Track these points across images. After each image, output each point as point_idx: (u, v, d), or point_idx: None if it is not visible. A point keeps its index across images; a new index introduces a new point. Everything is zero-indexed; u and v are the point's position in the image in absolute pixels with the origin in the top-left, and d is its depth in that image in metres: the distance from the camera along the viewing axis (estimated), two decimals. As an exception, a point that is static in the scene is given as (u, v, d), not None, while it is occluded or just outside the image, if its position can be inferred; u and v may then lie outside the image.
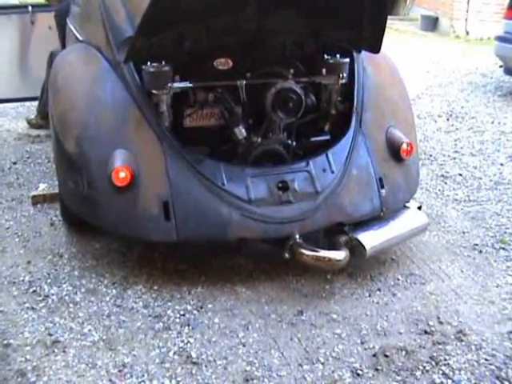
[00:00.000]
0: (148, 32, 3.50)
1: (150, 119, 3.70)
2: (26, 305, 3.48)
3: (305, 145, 4.09)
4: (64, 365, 3.00)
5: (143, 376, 2.93)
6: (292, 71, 3.99)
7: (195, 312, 3.44)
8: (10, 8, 6.51)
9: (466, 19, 14.43)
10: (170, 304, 3.50)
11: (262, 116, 3.93)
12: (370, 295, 3.63)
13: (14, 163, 5.64)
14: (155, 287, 3.65)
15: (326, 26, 3.87)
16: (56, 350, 3.11)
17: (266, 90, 3.85)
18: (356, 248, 3.62)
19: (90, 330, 3.27)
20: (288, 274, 3.78)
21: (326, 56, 4.03)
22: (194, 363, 3.03)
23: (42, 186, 5.02)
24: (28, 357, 3.05)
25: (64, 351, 3.10)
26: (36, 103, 6.53)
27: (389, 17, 3.88)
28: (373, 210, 3.80)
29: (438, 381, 2.94)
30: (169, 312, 3.43)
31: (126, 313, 3.42)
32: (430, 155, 6.05)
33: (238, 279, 3.73)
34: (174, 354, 3.10)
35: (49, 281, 3.72)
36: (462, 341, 3.23)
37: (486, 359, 3.09)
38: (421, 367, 3.02)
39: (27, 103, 7.19)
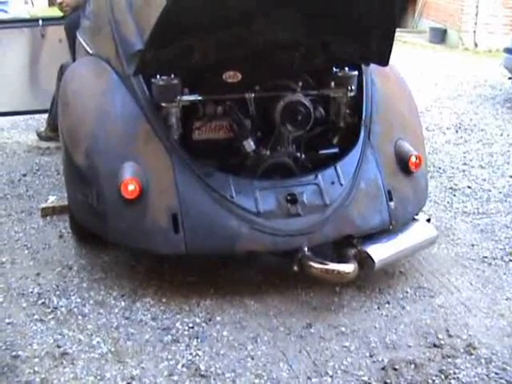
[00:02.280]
0: (157, 45, 3.51)
1: (159, 132, 3.71)
2: (35, 316, 3.49)
3: (313, 157, 4.09)
4: (72, 377, 3.01)
5: (152, 389, 2.94)
6: (301, 84, 4.00)
7: (204, 325, 3.43)
8: (20, 21, 6.56)
9: (475, 31, 14.44)
10: (178, 316, 3.50)
11: (271, 129, 3.94)
12: (378, 308, 3.62)
13: (24, 175, 5.67)
14: (164, 299, 3.65)
15: (334, 39, 3.88)
16: (64, 362, 3.11)
17: (274, 103, 3.86)
18: (365, 261, 3.61)
19: (98, 342, 3.27)
20: (297, 286, 3.77)
21: (334, 69, 4.04)
22: (203, 376, 3.02)
23: (51, 199, 5.04)
24: (36, 368, 3.06)
25: (72, 363, 3.10)
26: (46, 116, 6.56)
27: (397, 29, 3.89)
28: (382, 223, 3.79)
29: (447, 394, 2.93)
30: (177, 324, 3.43)
31: (135, 325, 3.43)
32: (439, 168, 6.04)
33: (247, 292, 3.73)
34: (183, 366, 3.09)
35: (58, 293, 3.73)
36: (471, 354, 3.21)
37: (496, 373, 3.07)
38: (430, 381, 3.01)
39: (37, 116, 7.22)
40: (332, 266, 3.52)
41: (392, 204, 3.83)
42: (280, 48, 3.83)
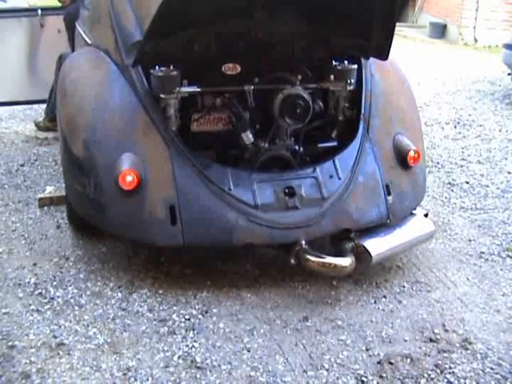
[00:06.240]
0: (156, 36, 3.51)
1: (157, 123, 3.71)
2: (32, 307, 3.49)
3: (312, 151, 4.09)
4: (68, 367, 3.01)
5: (147, 380, 2.94)
6: (300, 77, 3.98)
7: (200, 316, 3.44)
8: (19, 11, 6.55)
9: (475, 27, 14.44)
10: (175, 308, 3.50)
11: (270, 121, 3.93)
12: (375, 302, 3.63)
13: (22, 165, 5.66)
14: (160, 291, 3.65)
15: (334, 33, 3.87)
16: (61, 353, 3.11)
17: (273, 96, 3.85)
18: (362, 255, 3.62)
19: (94, 333, 3.27)
20: (294, 279, 3.78)
21: (334, 62, 4.03)
22: (199, 368, 3.03)
23: (48, 189, 5.03)
24: (33, 359, 3.06)
25: (69, 354, 3.11)
26: (44, 106, 6.56)
27: (397, 24, 3.88)
28: (379, 217, 3.79)
29: (442, 389, 2.94)
30: (174, 316, 3.43)
31: (131, 316, 3.43)
32: (437, 163, 6.04)
33: (244, 284, 3.73)
34: (179, 358, 3.10)
35: (54, 283, 3.72)
36: (467, 349, 3.22)
37: (491, 368, 3.08)
38: (426, 375, 3.01)
39: (35, 106, 7.22)
40: (329, 259, 3.52)
41: (390, 198, 3.83)
42: (280, 41, 3.83)
